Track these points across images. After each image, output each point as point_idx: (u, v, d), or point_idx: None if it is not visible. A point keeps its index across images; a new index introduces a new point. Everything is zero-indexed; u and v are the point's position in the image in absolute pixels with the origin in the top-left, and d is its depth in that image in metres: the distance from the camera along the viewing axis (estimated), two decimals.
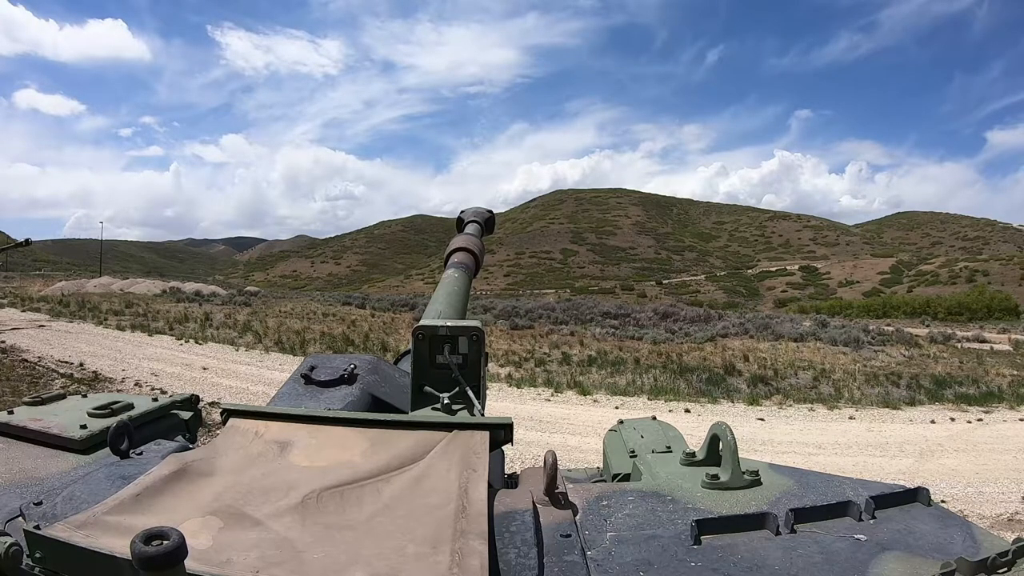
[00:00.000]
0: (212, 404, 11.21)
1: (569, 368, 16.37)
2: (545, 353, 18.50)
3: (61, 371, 14.37)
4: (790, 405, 13.14)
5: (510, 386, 14.43)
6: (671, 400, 13.35)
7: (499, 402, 12.65)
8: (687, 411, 12.31)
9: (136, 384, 13.21)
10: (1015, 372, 16.85)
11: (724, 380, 14.86)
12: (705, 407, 12.79)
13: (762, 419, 12.01)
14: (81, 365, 15.08)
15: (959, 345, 23.06)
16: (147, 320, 23.97)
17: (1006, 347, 23.48)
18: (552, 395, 13.77)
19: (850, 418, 12.25)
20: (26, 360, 15.70)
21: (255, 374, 14.73)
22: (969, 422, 12.19)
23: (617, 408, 12.64)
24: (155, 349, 17.87)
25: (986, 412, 12.93)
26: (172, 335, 20.39)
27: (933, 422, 12.07)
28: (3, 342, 17.87)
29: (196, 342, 19.23)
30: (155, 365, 15.34)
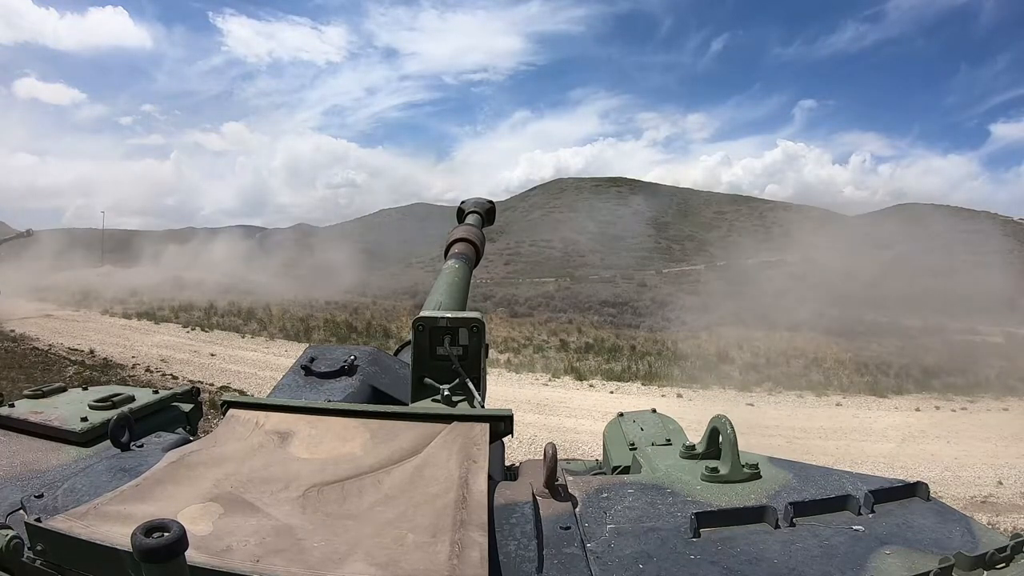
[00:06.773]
0: (222, 388, 11.64)
1: (567, 355, 16.78)
2: (544, 340, 18.92)
3: (72, 358, 14.75)
4: (780, 391, 13.55)
5: (509, 371, 14.86)
6: (664, 385, 13.77)
7: (498, 387, 13.08)
8: (679, 396, 12.74)
9: (147, 370, 13.60)
10: (1004, 363, 17.18)
11: (717, 367, 15.27)
12: (697, 392, 13.21)
13: (751, 404, 12.43)
14: (91, 352, 15.45)
15: (953, 337, 23.41)
16: (152, 308, 24.36)
17: (999, 339, 23.85)
18: (549, 380, 14.20)
19: (837, 404, 12.66)
20: (36, 348, 16.05)
21: (262, 360, 15.13)
22: (953, 411, 12.57)
23: (611, 393, 13.07)
24: (163, 336, 18.26)
25: (971, 401, 13.27)
26: (178, 323, 20.76)
27: (918, 410, 12.46)
28: (13, 331, 18.17)
29: (202, 329, 19.60)
30: (164, 352, 15.73)
